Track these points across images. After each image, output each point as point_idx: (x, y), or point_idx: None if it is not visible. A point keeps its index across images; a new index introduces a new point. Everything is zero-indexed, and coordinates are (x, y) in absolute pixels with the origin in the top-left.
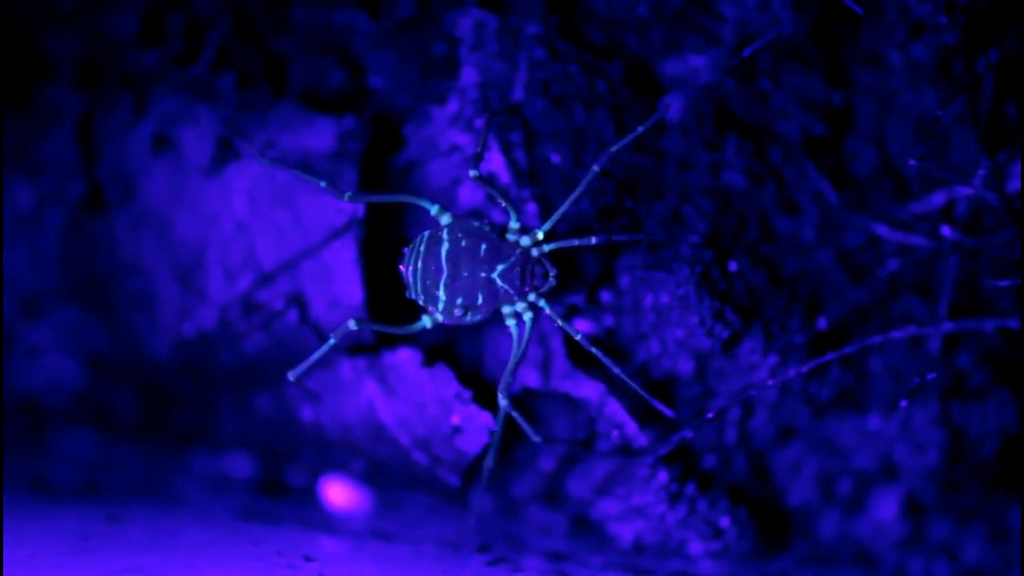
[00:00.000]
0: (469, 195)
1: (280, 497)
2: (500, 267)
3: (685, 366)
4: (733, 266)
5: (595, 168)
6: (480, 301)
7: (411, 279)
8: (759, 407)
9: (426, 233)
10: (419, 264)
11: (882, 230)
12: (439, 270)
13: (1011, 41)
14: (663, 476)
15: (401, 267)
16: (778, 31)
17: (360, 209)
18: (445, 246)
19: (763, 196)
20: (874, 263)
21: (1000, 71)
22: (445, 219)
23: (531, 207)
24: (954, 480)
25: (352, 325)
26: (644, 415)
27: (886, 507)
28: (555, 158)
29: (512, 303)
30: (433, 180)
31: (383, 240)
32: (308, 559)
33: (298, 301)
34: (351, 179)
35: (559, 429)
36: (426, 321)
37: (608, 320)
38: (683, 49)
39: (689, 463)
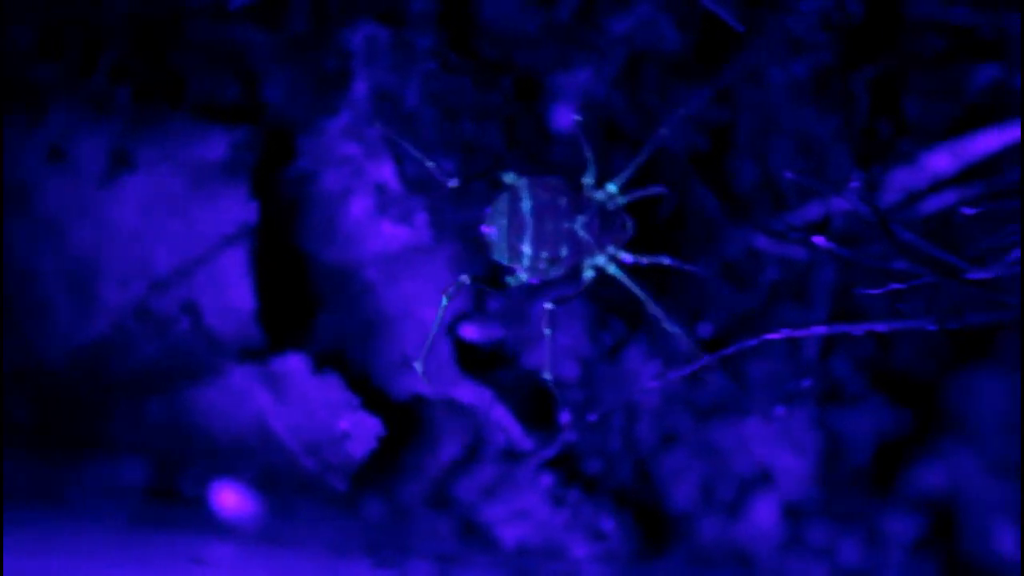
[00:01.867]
0: (361, 205)
1: (173, 503)
2: (580, 219)
3: (571, 372)
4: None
5: (662, 131)
6: (564, 253)
7: (497, 237)
8: (643, 413)
9: (507, 193)
10: (504, 222)
11: (761, 241)
12: (524, 225)
13: (885, 60)
14: (547, 480)
15: (484, 228)
16: (662, 48)
17: (252, 217)
18: (528, 203)
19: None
20: (755, 272)
21: (875, 89)
22: (521, 182)
23: (421, 216)
24: (832, 484)
25: (466, 279)
26: (529, 420)
27: (766, 511)
28: (446, 168)
29: (592, 255)
30: (326, 190)
31: (276, 247)
32: (198, 562)
33: (191, 309)
34: (244, 189)
35: (450, 433)
36: (511, 281)
37: (496, 327)
38: (572, 65)
39: (573, 468)
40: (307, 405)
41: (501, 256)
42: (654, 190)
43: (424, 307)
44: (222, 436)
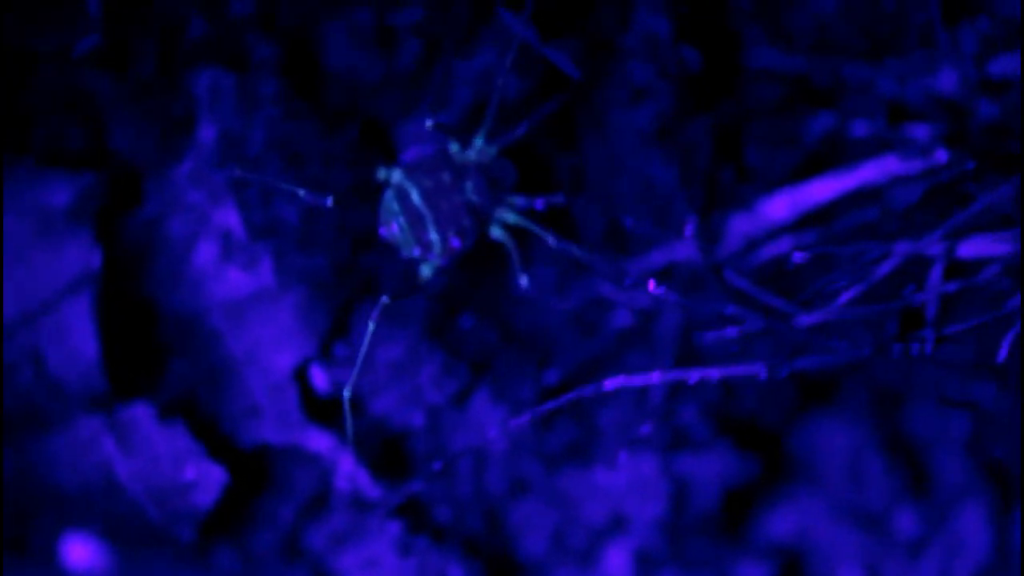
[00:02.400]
0: (207, 251)
1: (22, 555)
2: (467, 184)
3: (418, 420)
4: (465, 322)
5: (499, 81)
6: (467, 223)
7: (400, 235)
8: (492, 461)
9: (389, 192)
10: (401, 220)
11: (606, 288)
12: (421, 215)
13: (726, 108)
14: (395, 528)
15: (382, 230)
16: (504, 95)
17: (96, 264)
18: (414, 192)
19: (496, 254)
20: (602, 318)
21: (717, 136)
22: (397, 175)
23: (266, 262)
24: (682, 531)
25: (385, 300)
26: (377, 467)
27: (617, 559)
28: (291, 215)
29: (492, 211)
30: (172, 235)
31: (123, 294)
32: None
33: (36, 357)
34: (87, 236)
35: (296, 481)
36: (425, 270)
37: (343, 374)
38: (417, 112)
39: (422, 516)
40: (153, 454)
41: (410, 251)
42: (519, 128)
43: (270, 353)
44: (70, 486)
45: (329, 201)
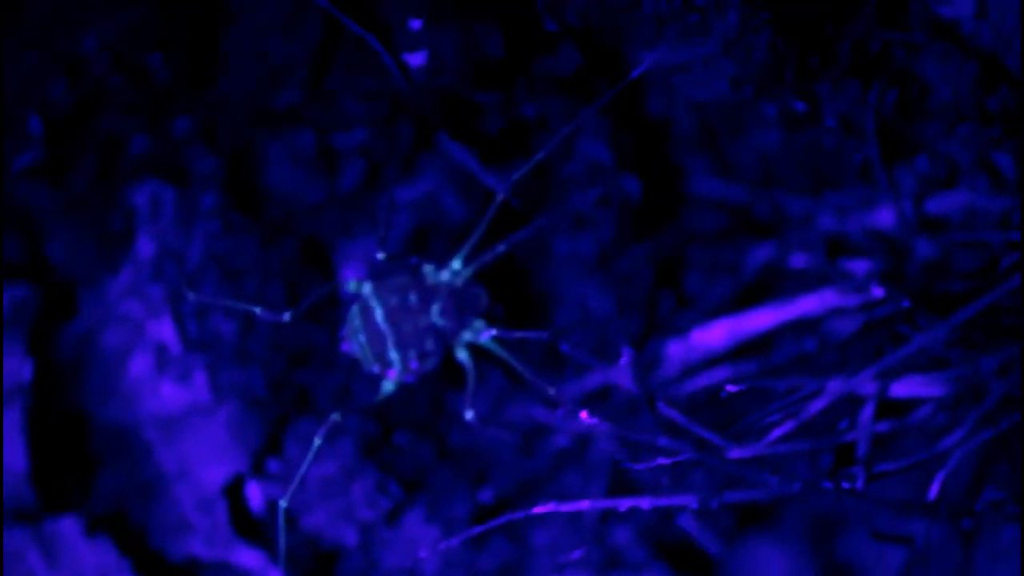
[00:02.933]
0: (141, 364)
1: None
2: (434, 307)
3: (350, 537)
4: (400, 439)
5: (500, 196)
6: (430, 346)
7: (360, 352)
8: None
9: (355, 307)
10: (362, 337)
11: (539, 412)
12: (382, 334)
13: (667, 236)
14: None
15: (344, 347)
16: (446, 219)
17: (27, 376)
18: (378, 311)
19: (432, 374)
20: (540, 439)
21: (656, 263)
22: (366, 288)
23: (200, 376)
24: None
25: (336, 417)
26: None
27: None
28: (226, 329)
29: (458, 336)
30: (106, 347)
31: (54, 405)
32: None
33: None
34: (21, 347)
35: None
36: (387, 386)
37: (275, 490)
38: (356, 233)
39: None
40: (79, 569)
41: (370, 368)
42: (498, 249)
43: (202, 468)
44: None
45: (287, 317)
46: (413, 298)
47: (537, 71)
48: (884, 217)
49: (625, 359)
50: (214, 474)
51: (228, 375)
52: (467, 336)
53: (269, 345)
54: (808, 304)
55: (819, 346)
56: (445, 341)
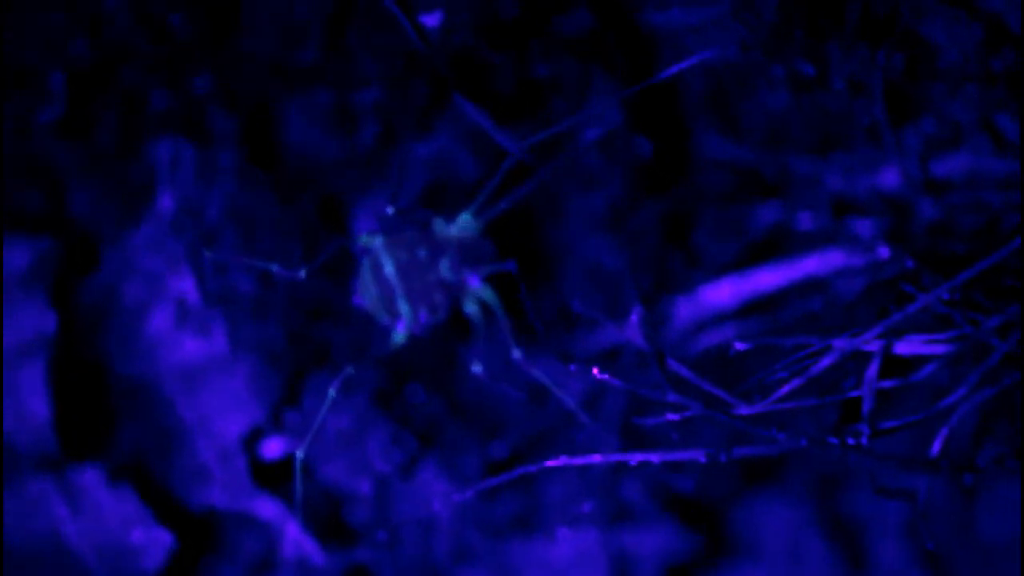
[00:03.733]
0: (161, 317)
1: None
2: (443, 262)
3: (365, 488)
4: (413, 393)
5: (514, 155)
6: (439, 299)
7: (372, 305)
8: (438, 530)
9: (366, 261)
10: (373, 291)
11: (550, 368)
12: (393, 288)
13: (676, 195)
14: None
15: (356, 301)
16: (460, 176)
17: (50, 328)
18: (388, 265)
19: (445, 329)
20: (549, 396)
21: (666, 223)
22: (377, 243)
23: (220, 330)
24: None
25: (350, 370)
26: (324, 534)
27: None
28: (245, 285)
29: (466, 289)
30: (127, 300)
31: (76, 357)
32: None
33: None
34: (42, 300)
35: (244, 547)
36: (398, 338)
37: (292, 442)
38: (371, 192)
39: None
40: (101, 517)
41: (382, 320)
42: (505, 202)
43: (221, 420)
44: (19, 547)
45: (303, 274)
46: (422, 252)
47: (550, 31)
48: (890, 178)
49: (635, 316)
50: (233, 426)
51: (247, 329)
52: (474, 290)
53: (287, 300)
54: (814, 264)
55: (825, 305)
56: (453, 294)
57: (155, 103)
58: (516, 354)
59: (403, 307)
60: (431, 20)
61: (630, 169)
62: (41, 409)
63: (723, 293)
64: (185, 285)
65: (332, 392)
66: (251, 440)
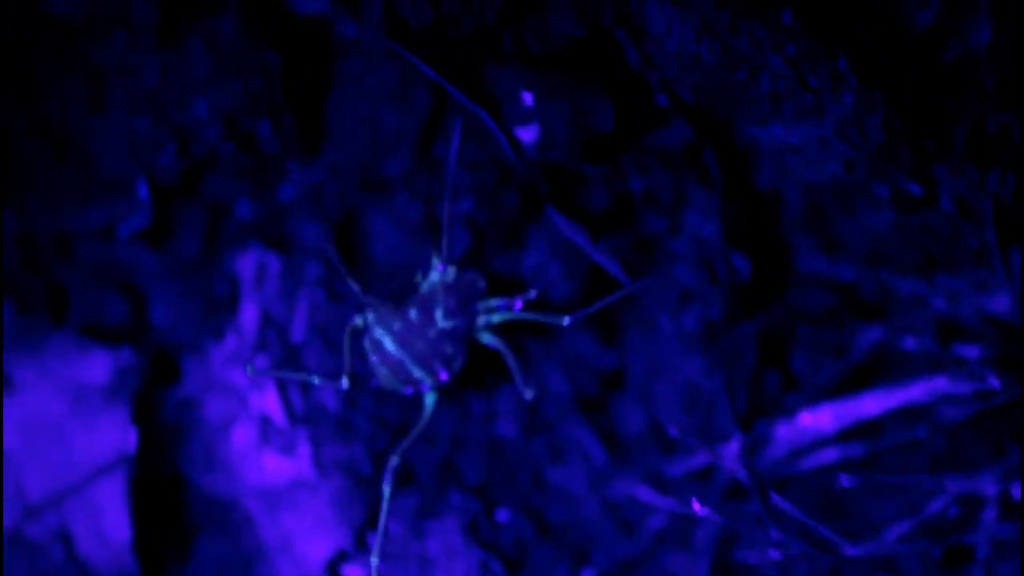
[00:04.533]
0: (244, 434)
1: None
2: (438, 314)
3: None
4: (502, 516)
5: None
6: (449, 351)
7: (388, 381)
8: None
9: (366, 341)
10: (383, 370)
11: (643, 492)
12: (400, 359)
13: (774, 313)
14: None
15: (373, 383)
16: (552, 293)
17: (131, 445)
18: (387, 340)
19: (535, 448)
20: (640, 519)
21: (763, 341)
22: (370, 317)
23: (305, 450)
24: None
25: (396, 461)
26: None
27: None
28: (330, 402)
29: (472, 329)
30: (209, 415)
31: (156, 472)
32: None
33: (65, 537)
34: (124, 415)
35: None
36: (429, 400)
37: (377, 565)
38: None
39: None
40: None
41: (404, 391)
42: (592, 308)
43: (304, 542)
44: None
45: (344, 383)
46: (413, 313)
47: (646, 145)
48: (1000, 302)
49: (734, 444)
50: (316, 550)
51: (331, 449)
52: (483, 321)
53: (372, 418)
54: (919, 389)
55: (930, 433)
56: (462, 340)
57: (240, 212)
58: (528, 395)
59: (418, 373)
60: (527, 135)
61: (726, 286)
62: (121, 529)
63: (824, 417)
64: (269, 402)
65: (386, 488)
66: (334, 563)
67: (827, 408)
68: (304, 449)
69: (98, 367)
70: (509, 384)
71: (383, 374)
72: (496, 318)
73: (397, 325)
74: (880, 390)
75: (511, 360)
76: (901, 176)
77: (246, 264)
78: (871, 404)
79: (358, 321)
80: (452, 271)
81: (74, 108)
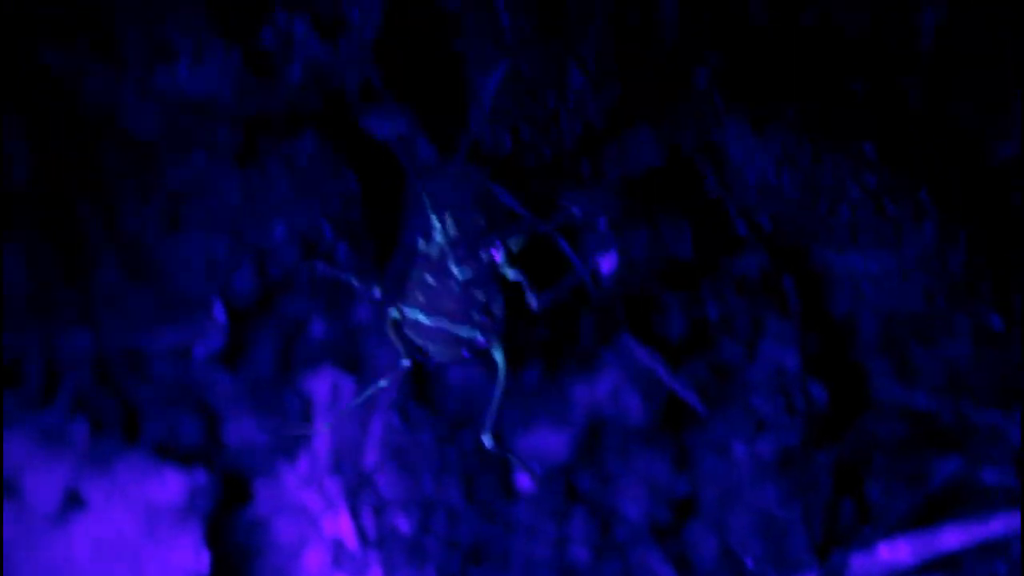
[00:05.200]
0: (316, 558)
1: None
2: (452, 266)
3: None
4: None
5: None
6: (482, 297)
7: (444, 357)
8: None
9: (406, 329)
10: (430, 344)
11: None
12: (439, 326)
13: (850, 442)
14: None
15: (431, 364)
16: (624, 422)
17: (204, 569)
18: (419, 315)
19: (607, 573)
20: None
21: (838, 471)
22: (399, 305)
23: (377, 572)
24: None
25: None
26: None
27: None
28: (403, 526)
29: (495, 268)
30: (281, 538)
31: None
32: None
33: None
34: (197, 537)
35: None
36: (497, 356)
37: None
38: (536, 427)
39: None
40: None
41: (461, 355)
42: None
43: None
44: None
45: (406, 363)
46: (429, 277)
47: (723, 272)
48: None
49: (808, 571)
50: None
51: (404, 573)
52: (501, 256)
53: (445, 542)
54: (999, 524)
55: (1010, 569)
56: (490, 282)
57: (314, 332)
58: (487, 441)
59: (462, 331)
60: (606, 265)
61: (802, 415)
62: None
63: (902, 551)
64: (342, 525)
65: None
66: None
67: (905, 541)
68: (376, 573)
69: (171, 487)
70: (582, 505)
71: (433, 350)
72: (514, 244)
73: (419, 297)
74: (959, 524)
75: (499, 387)
76: (982, 308)
77: (320, 385)
78: (951, 538)
79: (394, 313)
80: (449, 218)
81: (151, 227)
